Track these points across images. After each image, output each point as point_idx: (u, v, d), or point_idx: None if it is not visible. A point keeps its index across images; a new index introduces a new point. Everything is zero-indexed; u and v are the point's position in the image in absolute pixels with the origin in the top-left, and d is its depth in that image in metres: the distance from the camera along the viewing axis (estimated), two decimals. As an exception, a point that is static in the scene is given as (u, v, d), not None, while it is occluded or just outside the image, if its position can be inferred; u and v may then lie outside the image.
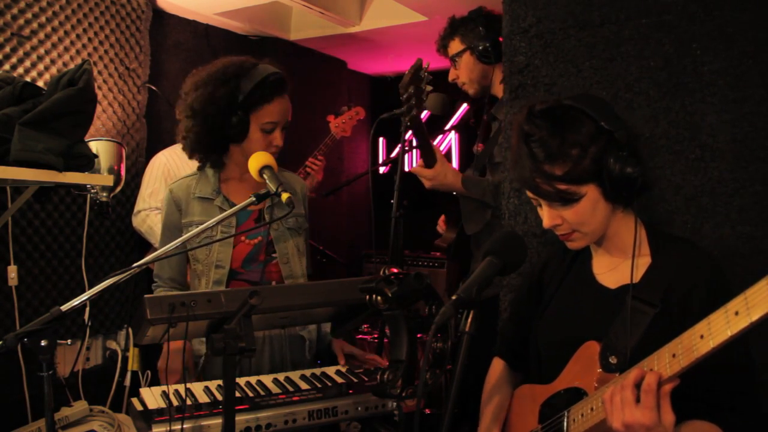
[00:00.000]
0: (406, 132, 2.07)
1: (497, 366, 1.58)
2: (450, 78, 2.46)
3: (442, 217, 2.67)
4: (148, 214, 3.01)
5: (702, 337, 0.95)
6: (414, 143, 2.19)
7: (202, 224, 1.53)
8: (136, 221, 3.07)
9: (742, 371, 1.19)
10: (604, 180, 1.24)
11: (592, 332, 1.26)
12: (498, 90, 2.35)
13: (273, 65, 1.92)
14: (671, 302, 1.23)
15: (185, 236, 1.51)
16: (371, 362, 1.91)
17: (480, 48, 2.30)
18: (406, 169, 2.20)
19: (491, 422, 1.44)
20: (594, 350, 1.23)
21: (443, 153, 2.28)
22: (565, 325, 1.38)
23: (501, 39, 2.23)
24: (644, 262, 1.30)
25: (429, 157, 2.11)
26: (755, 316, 0.87)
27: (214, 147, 1.92)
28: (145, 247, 3.18)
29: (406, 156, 2.34)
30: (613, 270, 1.36)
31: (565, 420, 1.22)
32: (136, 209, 3.09)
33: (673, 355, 1.01)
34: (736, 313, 0.90)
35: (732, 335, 0.91)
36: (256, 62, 1.90)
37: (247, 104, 1.84)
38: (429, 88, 1.97)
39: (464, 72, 2.39)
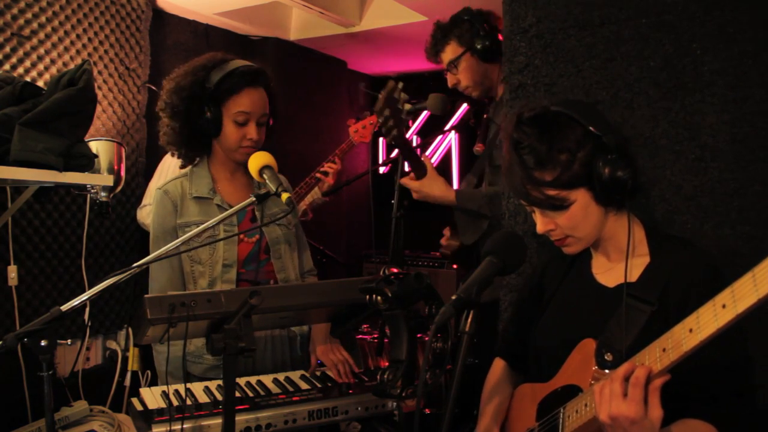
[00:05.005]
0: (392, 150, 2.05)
1: (498, 366, 1.58)
2: (450, 84, 2.39)
3: (447, 229, 2.62)
4: None
5: (691, 330, 0.96)
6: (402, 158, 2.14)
7: (200, 224, 1.52)
8: (141, 215, 3.06)
9: (739, 371, 1.19)
10: (594, 184, 1.25)
11: (591, 331, 1.27)
12: (500, 89, 2.29)
13: (251, 62, 1.88)
14: (668, 301, 1.23)
15: (187, 235, 1.48)
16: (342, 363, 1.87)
17: (479, 47, 2.26)
18: (407, 169, 2.18)
19: (491, 421, 1.44)
20: (590, 348, 1.23)
21: (443, 153, 2.26)
22: (564, 324, 1.39)
23: (500, 35, 2.20)
24: (642, 261, 1.31)
25: (419, 169, 2.11)
26: (741, 308, 0.87)
27: (191, 142, 1.89)
28: (147, 246, 3.17)
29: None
30: (612, 269, 1.36)
31: (561, 417, 1.22)
32: (143, 203, 3.07)
33: (664, 350, 1.01)
34: (723, 306, 0.90)
35: (719, 328, 0.91)
36: (230, 57, 1.88)
37: (216, 95, 1.82)
38: (408, 106, 1.93)
39: (466, 75, 2.31)
